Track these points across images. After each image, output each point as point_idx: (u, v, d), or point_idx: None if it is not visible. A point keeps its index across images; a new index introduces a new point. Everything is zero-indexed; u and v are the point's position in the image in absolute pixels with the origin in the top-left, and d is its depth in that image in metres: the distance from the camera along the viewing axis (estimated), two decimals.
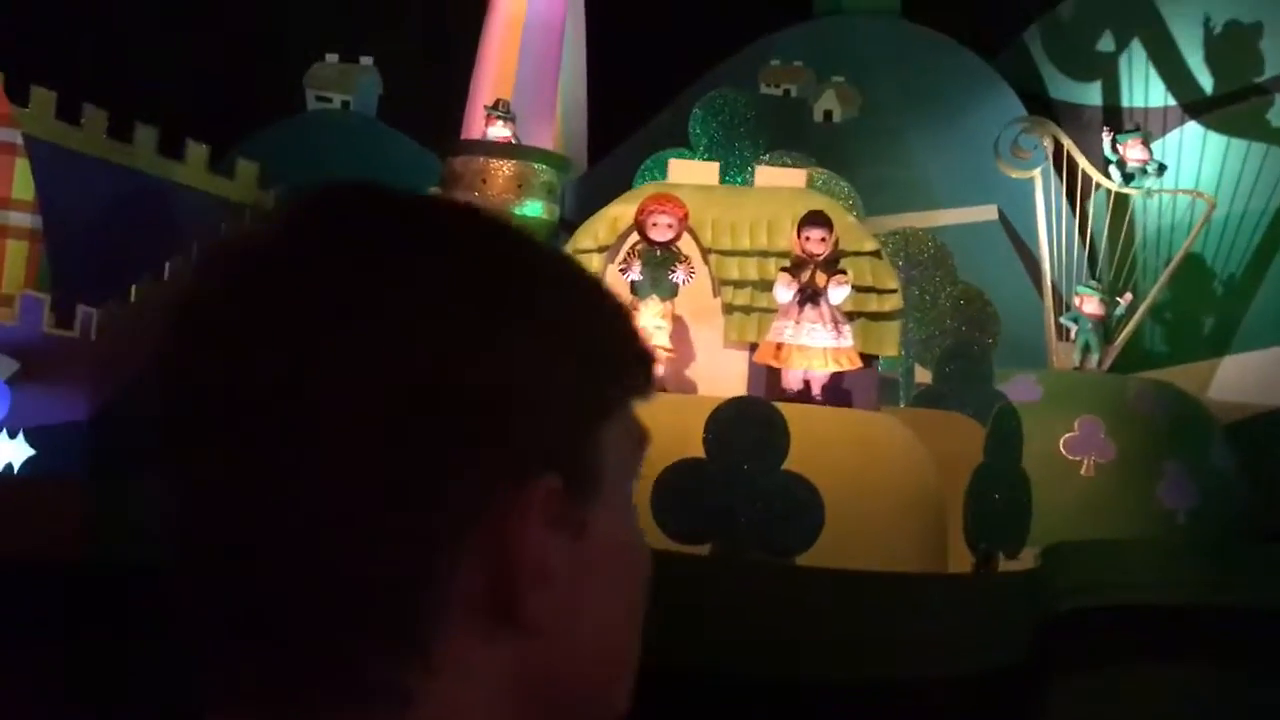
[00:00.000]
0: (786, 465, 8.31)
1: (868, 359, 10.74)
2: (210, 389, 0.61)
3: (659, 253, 9.86)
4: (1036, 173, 16.71)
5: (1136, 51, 20.94)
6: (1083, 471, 14.56)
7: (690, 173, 11.10)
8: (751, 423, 7.90)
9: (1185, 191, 17.99)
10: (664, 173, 18.99)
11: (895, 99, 20.34)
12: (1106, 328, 16.54)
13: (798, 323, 9.77)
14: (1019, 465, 9.23)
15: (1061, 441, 14.55)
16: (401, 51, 20.26)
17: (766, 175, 11.11)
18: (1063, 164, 17.52)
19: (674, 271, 9.75)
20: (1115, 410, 15.04)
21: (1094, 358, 16.30)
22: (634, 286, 9.85)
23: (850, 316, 10.58)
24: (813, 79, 20.47)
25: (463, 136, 16.13)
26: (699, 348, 10.67)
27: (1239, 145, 19.39)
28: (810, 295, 9.78)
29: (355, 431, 0.59)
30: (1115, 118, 20.96)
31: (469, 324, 0.61)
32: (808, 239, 9.86)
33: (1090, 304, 16.07)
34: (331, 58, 20.31)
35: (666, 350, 9.84)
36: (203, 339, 0.62)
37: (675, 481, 7.82)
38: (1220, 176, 19.54)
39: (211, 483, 0.61)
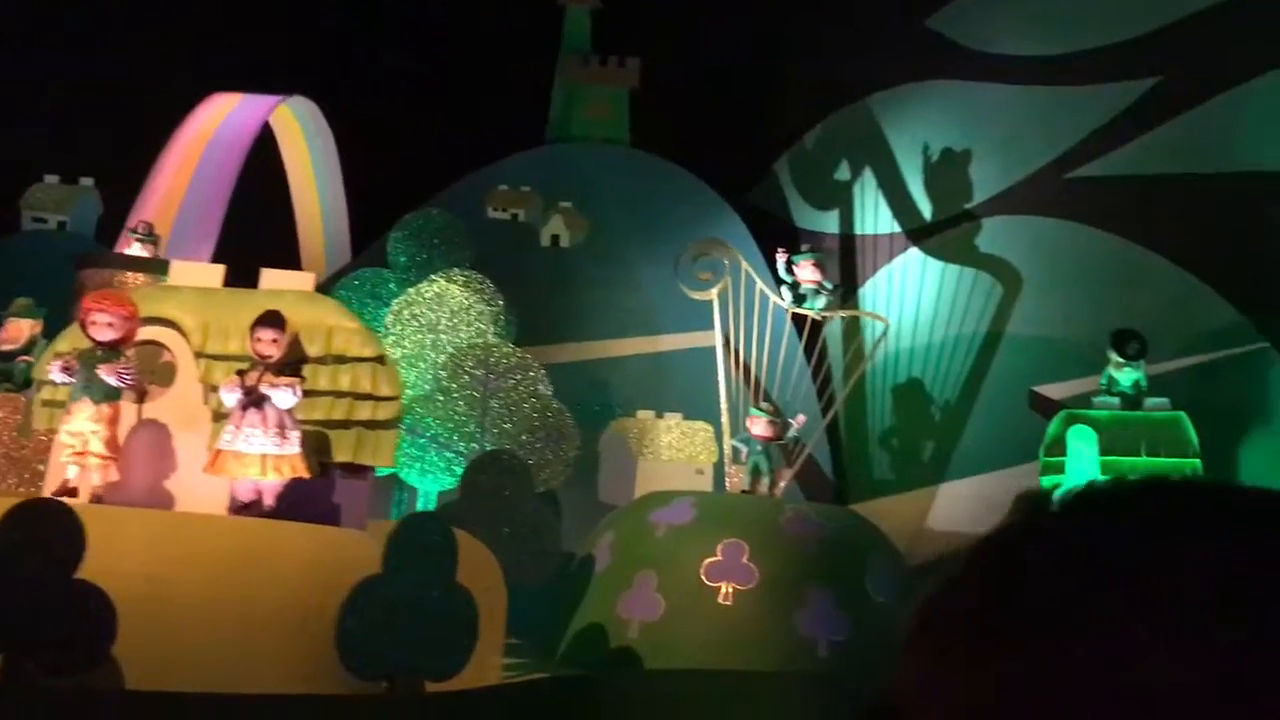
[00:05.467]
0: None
1: (362, 469, 10.19)
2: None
3: (99, 353, 9.31)
4: (714, 293, 16.43)
5: (868, 180, 21.06)
6: (720, 599, 13.84)
7: (193, 274, 10.63)
8: (40, 525, 7.25)
9: (860, 313, 17.78)
10: (368, 292, 18.71)
11: (622, 225, 20.26)
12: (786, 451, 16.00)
13: (238, 427, 9.20)
14: (447, 582, 8.48)
15: (702, 567, 13.88)
16: (126, 171, 20.05)
17: (271, 278, 10.64)
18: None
19: (103, 372, 9.17)
20: (764, 535, 14.33)
21: (765, 481, 15.64)
22: (72, 390, 9.30)
23: (346, 424, 10.07)
24: (539, 204, 20.39)
25: (116, 250, 15.79)
26: (184, 459, 10.03)
27: (953, 270, 19.32)
28: (255, 399, 9.24)
29: None
30: (850, 244, 20.99)
31: None
32: (259, 340, 9.35)
33: (759, 425, 15.52)
34: (51, 178, 20.08)
35: (102, 457, 9.22)
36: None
37: None
38: (938, 302, 19.40)
39: None
